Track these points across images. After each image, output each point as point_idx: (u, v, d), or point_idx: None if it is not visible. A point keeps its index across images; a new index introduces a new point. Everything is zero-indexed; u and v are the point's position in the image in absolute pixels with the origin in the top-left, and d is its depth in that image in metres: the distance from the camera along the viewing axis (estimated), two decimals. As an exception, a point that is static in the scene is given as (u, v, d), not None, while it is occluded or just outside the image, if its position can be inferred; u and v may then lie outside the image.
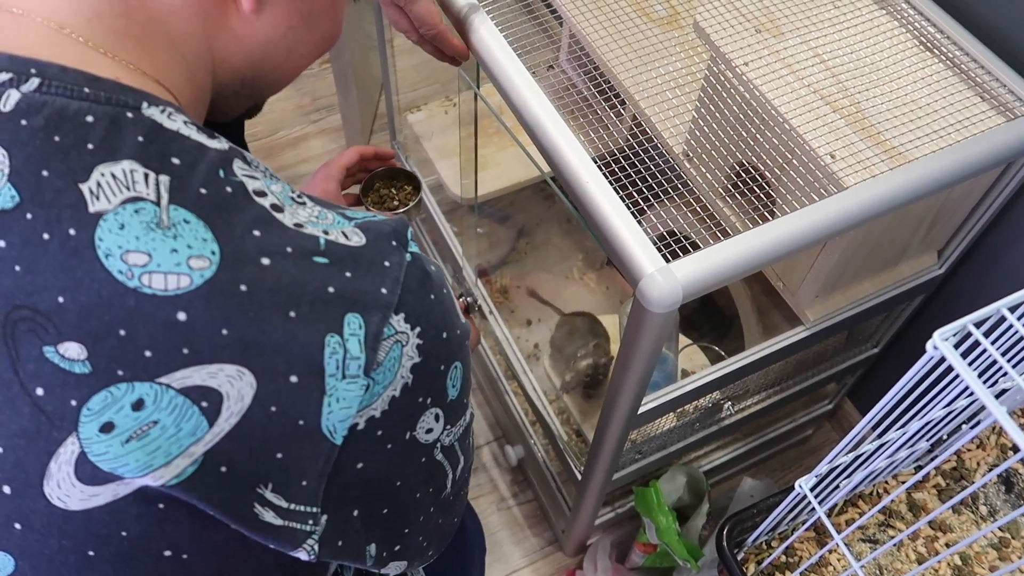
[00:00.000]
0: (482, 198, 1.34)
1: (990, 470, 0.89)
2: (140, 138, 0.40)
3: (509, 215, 1.55)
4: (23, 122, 0.38)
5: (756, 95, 0.78)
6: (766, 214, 0.76)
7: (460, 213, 1.47)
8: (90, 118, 0.39)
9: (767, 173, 0.79)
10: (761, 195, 0.79)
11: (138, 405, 0.39)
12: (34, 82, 0.39)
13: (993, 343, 0.51)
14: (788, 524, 0.87)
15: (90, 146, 0.39)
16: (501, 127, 1.41)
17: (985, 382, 0.64)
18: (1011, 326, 0.48)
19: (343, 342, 0.41)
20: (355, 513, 0.47)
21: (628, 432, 0.88)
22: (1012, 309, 0.47)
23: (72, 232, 0.38)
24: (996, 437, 0.90)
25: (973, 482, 0.88)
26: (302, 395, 0.41)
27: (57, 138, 0.39)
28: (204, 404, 0.39)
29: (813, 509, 0.73)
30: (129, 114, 0.40)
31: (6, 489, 0.40)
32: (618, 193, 0.72)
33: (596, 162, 0.74)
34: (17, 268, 0.38)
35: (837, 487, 0.74)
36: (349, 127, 1.76)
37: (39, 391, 0.38)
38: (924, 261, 0.95)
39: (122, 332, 0.38)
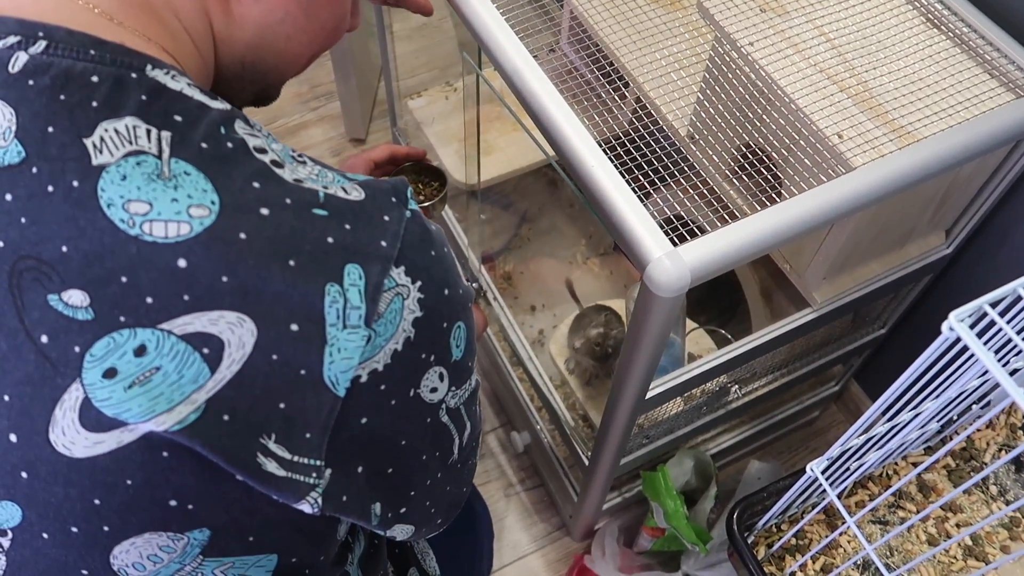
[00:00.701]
0: (485, 184, 1.33)
1: (999, 450, 0.88)
2: (143, 96, 0.41)
3: (512, 201, 1.54)
4: (30, 82, 0.39)
5: (761, 75, 0.77)
6: (773, 196, 0.76)
7: (463, 199, 1.46)
8: (95, 78, 0.40)
9: (773, 154, 0.78)
10: (768, 177, 0.78)
11: (140, 351, 0.39)
12: (41, 44, 0.40)
13: (1009, 321, 0.50)
14: (798, 507, 0.87)
15: (94, 104, 0.40)
16: (503, 112, 1.40)
17: (998, 361, 0.63)
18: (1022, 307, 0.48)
19: (343, 291, 0.42)
20: (359, 469, 0.47)
21: (636, 417, 0.87)
22: (1027, 289, 0.46)
23: (75, 184, 0.39)
24: (1005, 417, 0.89)
25: (983, 462, 0.87)
26: (303, 344, 0.41)
27: (63, 96, 0.39)
28: (206, 351, 0.40)
29: (823, 492, 0.73)
30: (133, 75, 0.41)
31: (12, 437, 0.41)
32: (624, 177, 0.71)
33: (601, 146, 0.73)
34: (23, 220, 0.39)
35: (848, 469, 0.74)
36: (349, 114, 1.75)
37: (43, 338, 0.39)
38: (932, 241, 0.94)
39: (124, 279, 0.39)
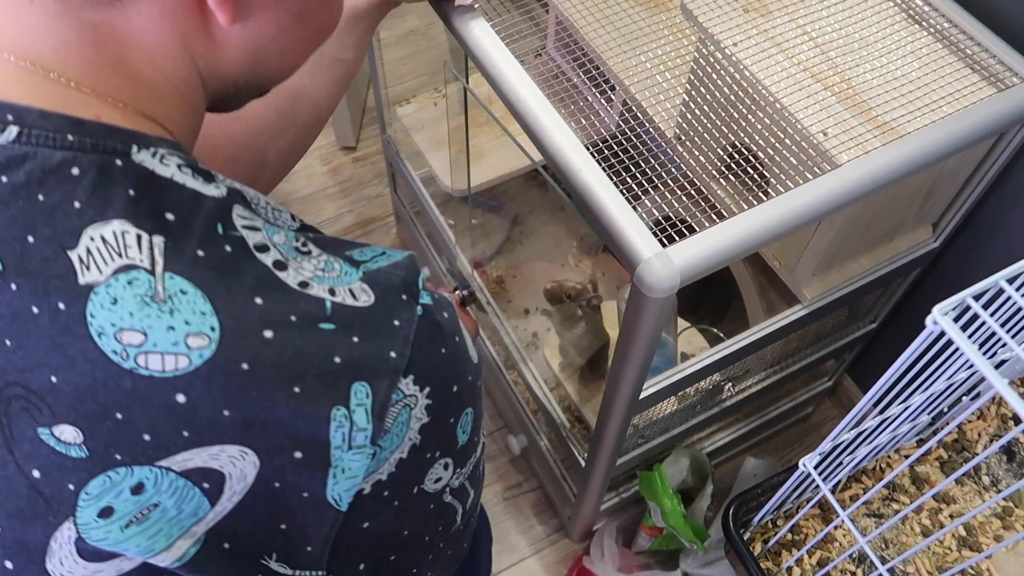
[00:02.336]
0: (475, 188, 1.34)
1: (991, 441, 0.89)
2: (131, 191, 0.37)
3: (503, 204, 1.54)
4: (3, 179, 0.35)
5: (746, 75, 0.78)
6: (760, 195, 0.76)
7: (453, 204, 1.46)
8: (76, 170, 0.36)
9: (760, 153, 0.79)
10: (755, 175, 0.78)
11: (138, 489, 0.37)
12: (12, 131, 0.36)
13: (992, 315, 0.51)
14: (793, 502, 0.87)
15: (77, 204, 0.36)
16: (490, 117, 1.41)
17: (984, 354, 0.64)
18: (1009, 297, 0.48)
19: (349, 414, 0.40)
20: (361, 567, 0.46)
21: (631, 417, 0.88)
22: (1010, 281, 0.47)
23: (62, 307, 0.36)
24: (996, 407, 0.90)
25: (975, 453, 0.88)
26: (306, 470, 0.39)
27: (41, 197, 0.35)
28: (206, 485, 0.38)
29: (818, 487, 0.73)
30: (118, 161, 0.37)
31: (8, 564, 0.39)
32: (612, 179, 0.72)
33: (589, 149, 0.74)
34: (7, 342, 0.36)
35: (840, 463, 0.74)
36: (338, 122, 1.76)
37: (35, 473, 0.37)
38: (919, 235, 0.95)
39: (119, 415, 0.36)
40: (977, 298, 0.46)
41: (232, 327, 0.37)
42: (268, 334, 0.38)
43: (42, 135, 0.36)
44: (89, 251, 0.36)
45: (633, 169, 0.76)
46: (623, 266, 0.69)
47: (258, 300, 0.38)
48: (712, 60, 0.81)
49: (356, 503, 0.41)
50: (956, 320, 0.48)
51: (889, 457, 0.89)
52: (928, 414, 0.78)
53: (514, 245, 1.52)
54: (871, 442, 0.71)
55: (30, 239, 0.35)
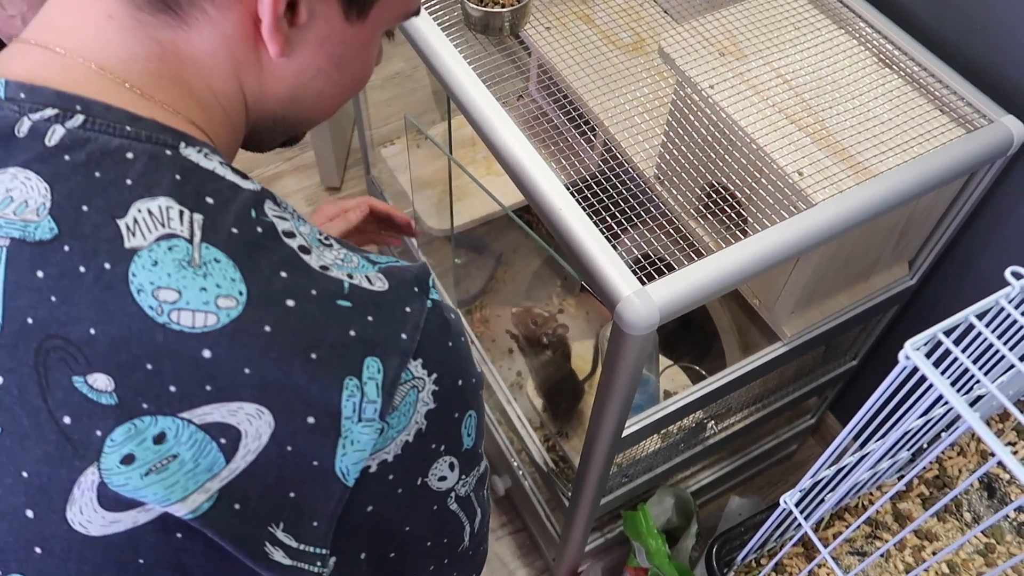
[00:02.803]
0: (459, 228, 1.35)
1: (978, 479, 0.89)
2: (177, 176, 0.41)
3: (486, 244, 1.55)
4: (66, 157, 0.40)
5: (723, 116, 0.79)
6: (738, 233, 0.77)
7: (437, 244, 1.47)
8: (130, 155, 0.41)
9: (737, 193, 0.80)
10: (732, 215, 0.80)
11: (160, 439, 0.40)
12: (79, 119, 0.41)
13: (965, 350, 0.51)
14: (776, 541, 0.87)
15: (128, 182, 0.40)
16: (477, 157, 1.42)
17: (960, 389, 0.64)
18: (980, 333, 0.49)
19: (361, 386, 0.42)
20: (362, 556, 0.47)
21: (613, 455, 0.88)
22: (980, 316, 0.48)
23: (107, 266, 0.39)
24: (976, 444, 0.91)
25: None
26: (318, 436, 0.41)
27: (98, 174, 0.40)
28: (223, 440, 0.40)
29: (800, 524, 0.73)
30: (168, 152, 0.42)
31: (29, 513, 0.41)
32: (592, 218, 0.72)
33: (568, 188, 0.75)
34: (53, 299, 0.39)
35: (823, 501, 0.74)
36: (323, 163, 1.77)
37: (66, 419, 0.39)
38: (896, 273, 0.97)
39: (149, 366, 0.39)
40: (948, 333, 0.47)
41: (258, 293, 0.41)
42: (290, 303, 0.41)
43: (104, 124, 0.41)
44: (136, 220, 0.40)
45: (613, 208, 0.77)
46: (602, 304, 0.70)
47: (283, 274, 0.42)
48: (690, 102, 0.83)
49: (362, 482, 0.43)
50: (929, 355, 0.48)
51: (871, 494, 0.89)
52: (908, 450, 0.78)
53: (498, 285, 1.53)
54: (852, 479, 0.71)
55: (84, 208, 0.40)
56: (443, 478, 0.49)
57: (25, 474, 0.40)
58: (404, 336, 0.44)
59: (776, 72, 0.83)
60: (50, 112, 0.41)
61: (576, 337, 1.40)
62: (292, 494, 0.42)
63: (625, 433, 0.85)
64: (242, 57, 0.47)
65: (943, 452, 0.92)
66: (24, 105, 0.41)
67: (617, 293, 0.67)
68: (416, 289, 0.46)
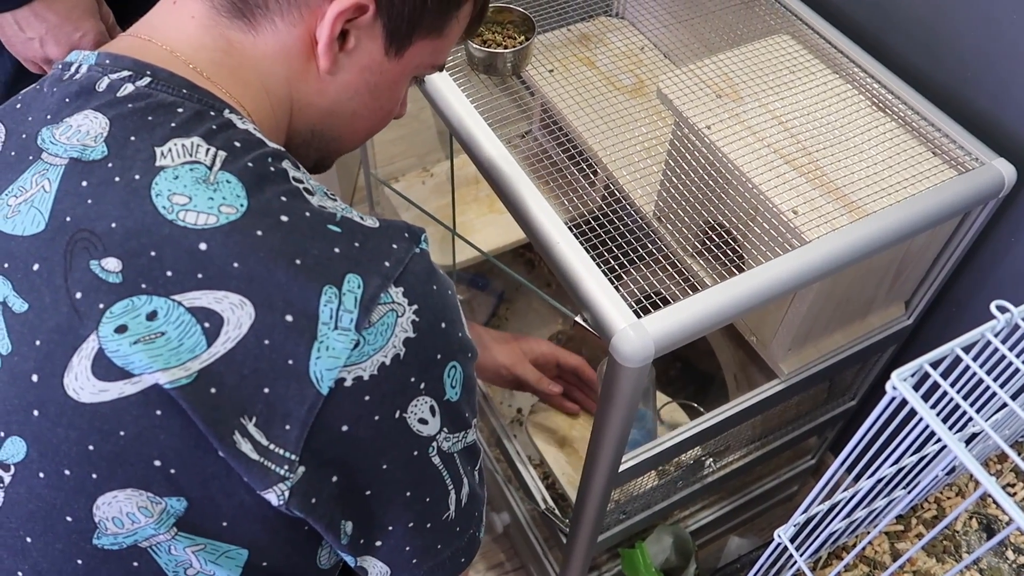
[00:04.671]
0: (461, 265, 1.36)
1: (970, 518, 0.89)
2: (213, 126, 0.49)
3: (489, 281, 1.57)
4: (129, 105, 0.49)
5: (720, 156, 0.81)
6: (734, 270, 0.78)
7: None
8: (180, 109, 0.49)
9: (733, 231, 0.82)
10: (729, 252, 0.81)
11: (152, 316, 0.45)
12: (146, 80, 0.50)
13: (955, 384, 0.52)
14: (774, 579, 0.86)
15: (173, 124, 0.49)
16: (480, 195, 1.44)
17: (953, 426, 0.65)
18: (970, 368, 0.50)
19: (339, 295, 0.46)
20: (334, 479, 0.49)
21: (610, 491, 0.88)
22: (966, 349, 0.49)
23: (137, 177, 0.47)
24: (974, 484, 0.91)
25: (955, 530, 0.88)
26: (295, 335, 0.45)
27: (150, 117, 0.49)
28: (206, 324, 0.45)
29: (795, 561, 0.73)
30: (212, 112, 0.50)
31: (34, 378, 0.46)
32: (589, 253, 0.74)
33: (569, 225, 0.76)
34: (89, 201, 0.47)
35: (819, 537, 0.74)
36: (330, 200, 1.79)
37: (78, 295, 0.45)
38: (892, 312, 0.97)
39: (152, 253, 0.45)
40: (936, 366, 0.48)
41: (257, 207, 0.47)
42: (284, 218, 0.47)
43: (166, 85, 0.50)
44: (171, 149, 0.48)
45: (611, 244, 0.79)
46: (597, 338, 0.71)
47: (283, 198, 0.48)
48: (687, 142, 0.84)
49: (337, 394, 0.46)
50: (919, 388, 0.49)
51: (868, 532, 0.89)
52: (904, 489, 0.78)
53: (500, 322, 1.54)
54: (848, 515, 0.71)
55: (132, 138, 0.48)
56: (424, 421, 0.51)
57: (38, 342, 0.46)
58: (387, 264, 0.48)
59: (772, 114, 0.85)
60: (125, 73, 0.51)
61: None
62: (266, 389, 0.45)
63: (622, 468, 0.85)
64: (296, 67, 0.55)
65: (941, 493, 0.91)
66: (107, 68, 0.51)
67: (613, 326, 0.68)
68: (406, 235, 0.50)
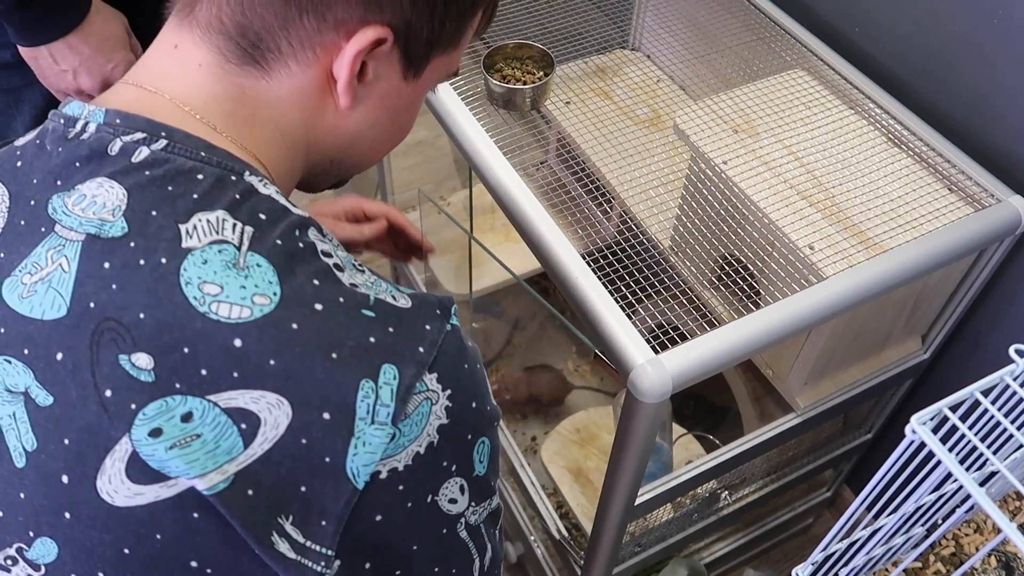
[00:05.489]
0: (477, 293, 1.37)
1: (989, 555, 0.88)
2: (237, 196, 0.47)
3: (504, 309, 1.57)
4: (147, 172, 0.46)
5: (736, 191, 0.82)
6: (751, 305, 0.79)
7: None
8: (200, 176, 0.47)
9: (750, 265, 0.82)
10: (745, 287, 0.81)
11: (187, 417, 0.43)
12: (162, 142, 0.47)
13: (973, 426, 0.52)
14: (791, 616, 0.86)
15: (195, 196, 0.46)
16: (495, 224, 1.45)
17: (971, 465, 0.65)
18: (987, 410, 0.50)
19: (376, 389, 0.45)
20: (367, 566, 0.48)
21: (626, 524, 0.88)
22: (985, 393, 0.49)
23: (163, 261, 0.45)
24: (992, 521, 0.90)
25: (974, 568, 0.87)
26: (332, 432, 0.44)
27: (170, 187, 0.46)
28: (243, 426, 0.43)
29: (813, 599, 0.73)
30: (233, 177, 0.48)
31: (64, 479, 0.44)
32: (607, 288, 0.74)
33: (585, 258, 0.77)
34: (114, 286, 0.44)
35: (836, 575, 0.74)
36: (346, 226, 1.81)
37: (108, 392, 0.43)
38: (909, 347, 0.97)
39: (186, 349, 0.43)
40: (955, 409, 0.48)
41: (290, 295, 0.45)
42: (318, 306, 0.46)
43: (183, 148, 0.48)
44: (195, 227, 0.46)
45: (628, 278, 0.79)
46: (615, 372, 0.71)
47: (315, 282, 0.47)
48: (704, 177, 0.85)
49: (372, 487, 0.45)
50: (939, 429, 0.49)
51: (887, 570, 0.88)
52: (922, 526, 0.78)
53: (514, 350, 1.54)
54: (867, 553, 0.71)
55: (153, 213, 0.46)
56: (453, 500, 0.50)
57: (67, 441, 0.44)
58: (421, 349, 0.47)
59: (788, 149, 0.85)
60: (139, 135, 0.47)
61: (592, 403, 1.40)
62: (303, 488, 0.44)
63: (638, 501, 0.85)
64: (312, 105, 0.53)
65: (959, 529, 0.91)
66: (119, 129, 0.48)
67: (631, 361, 0.68)
68: (438, 311, 0.49)
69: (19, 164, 0.50)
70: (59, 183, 0.47)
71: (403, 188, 1.66)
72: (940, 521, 0.83)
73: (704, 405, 1.32)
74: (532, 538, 1.24)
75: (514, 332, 1.56)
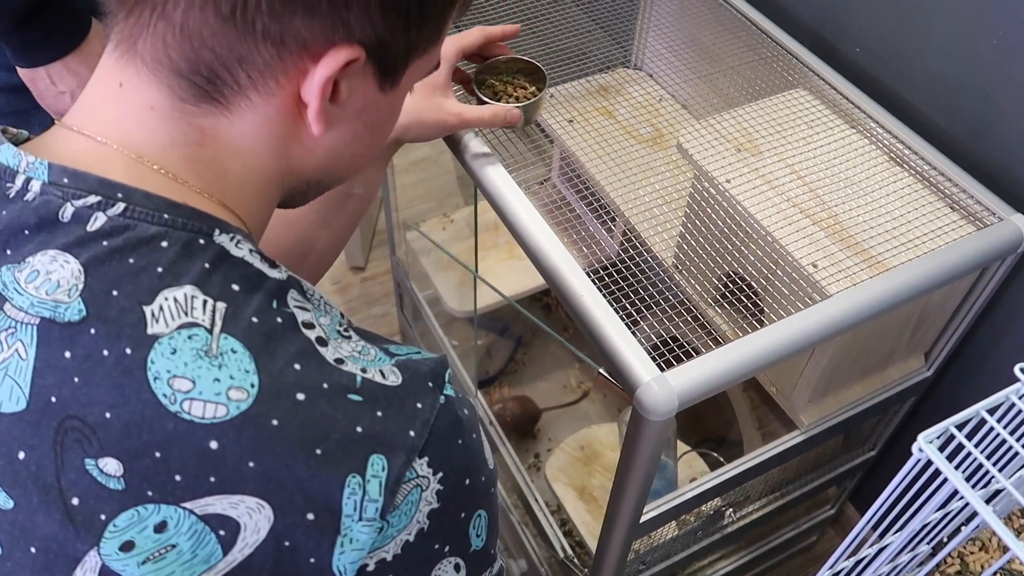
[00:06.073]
0: (481, 311, 1.37)
1: (994, 574, 0.88)
2: (207, 264, 0.43)
3: (507, 326, 1.57)
4: (104, 243, 0.42)
5: (739, 209, 0.82)
6: (754, 322, 0.79)
7: (458, 325, 1.50)
8: (165, 243, 0.42)
9: (754, 283, 0.82)
10: (749, 304, 0.82)
11: (161, 527, 0.40)
12: (119, 206, 0.42)
13: (979, 444, 0.52)
14: (796, 634, 0.86)
15: (159, 269, 0.42)
16: (500, 241, 1.46)
17: (977, 483, 0.65)
18: (993, 428, 0.50)
19: (363, 484, 0.42)
20: None
21: (631, 541, 0.87)
22: (991, 411, 0.49)
23: (128, 351, 0.40)
24: (998, 539, 0.90)
25: (979, 586, 0.87)
26: (316, 533, 0.42)
27: (131, 260, 0.42)
28: (221, 532, 0.41)
29: (820, 617, 0.72)
30: (201, 240, 0.43)
31: None
32: (612, 305, 0.75)
33: (590, 276, 0.78)
34: (76, 379, 0.40)
35: (842, 594, 0.74)
36: (349, 244, 1.82)
37: (74, 500, 0.40)
38: (912, 364, 0.97)
39: (157, 454, 0.40)
40: (961, 428, 0.48)
41: (269, 386, 0.42)
42: (300, 396, 0.42)
43: (143, 212, 0.43)
44: (161, 308, 0.41)
45: (632, 295, 0.80)
46: (619, 390, 0.71)
47: (296, 366, 0.43)
48: (707, 195, 0.86)
49: None
50: (945, 447, 0.49)
51: (892, 588, 0.88)
52: (927, 544, 0.78)
53: (517, 367, 1.55)
54: (873, 571, 0.71)
55: (114, 292, 0.41)
56: None
57: (33, 550, 0.41)
58: (412, 433, 0.44)
59: (791, 168, 0.86)
60: (93, 199, 0.42)
61: (596, 420, 1.40)
62: None
63: (643, 519, 0.85)
64: (282, 134, 0.48)
65: (964, 547, 0.91)
66: (68, 191, 0.42)
67: (637, 379, 0.69)
68: (430, 384, 0.46)
69: None
70: (8, 252, 0.42)
71: (406, 205, 1.67)
72: (946, 539, 0.83)
73: (705, 421, 1.32)
74: (535, 555, 1.24)
75: (517, 348, 1.56)
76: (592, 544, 1.12)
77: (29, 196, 0.43)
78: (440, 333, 1.39)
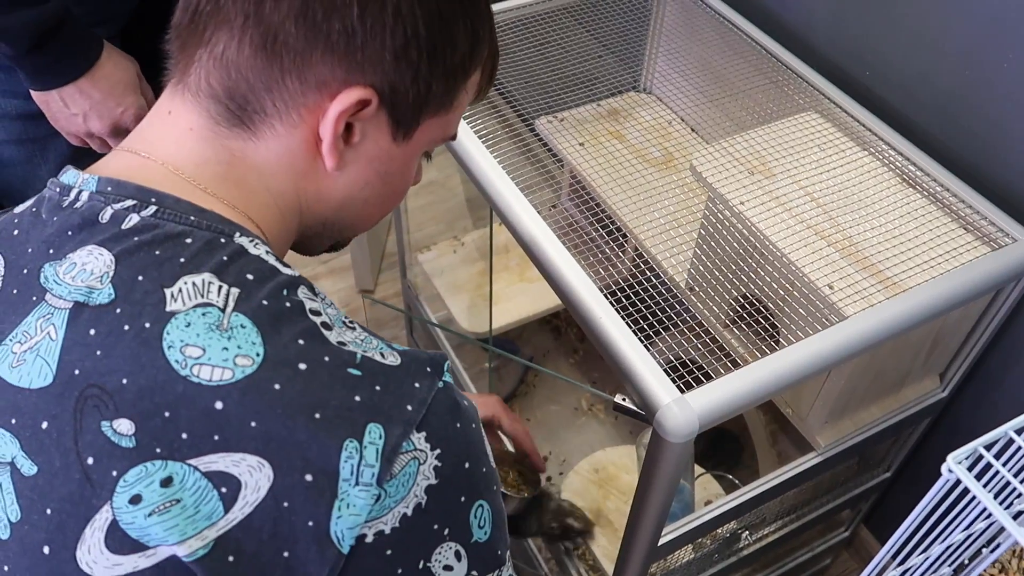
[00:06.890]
0: (493, 332, 1.38)
1: (1016, 595, 0.87)
2: (225, 257, 0.47)
3: (518, 348, 1.58)
4: (135, 238, 0.47)
5: (754, 231, 0.83)
6: (772, 344, 0.79)
7: (469, 347, 1.50)
8: (189, 240, 0.47)
9: (769, 304, 0.83)
10: (765, 325, 0.82)
11: (167, 482, 0.43)
12: (151, 208, 0.48)
13: (1006, 463, 0.52)
14: (817, 658, 0.85)
15: (182, 260, 0.46)
16: (511, 263, 1.46)
17: (1001, 503, 0.65)
18: (1020, 448, 0.50)
19: (360, 449, 0.44)
20: None
21: (649, 565, 0.87)
22: (1019, 431, 0.49)
23: (147, 325, 0.44)
24: (1017, 561, 0.89)
25: (1000, 608, 0.87)
26: (314, 495, 0.43)
27: (158, 252, 0.46)
28: (223, 490, 0.43)
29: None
30: (222, 239, 0.48)
31: (45, 549, 0.44)
32: (631, 328, 0.75)
33: (608, 298, 0.78)
34: (98, 352, 0.44)
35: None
36: (358, 267, 1.82)
37: (90, 460, 0.43)
38: (927, 385, 0.97)
39: (167, 414, 0.43)
40: (988, 447, 0.48)
41: (273, 356, 0.45)
42: (302, 366, 0.45)
43: (172, 214, 0.48)
44: (180, 290, 0.45)
45: (647, 314, 0.80)
46: (639, 416, 0.71)
47: (300, 342, 0.46)
48: (721, 217, 0.86)
49: (357, 552, 0.44)
50: (970, 469, 0.49)
51: (913, 611, 0.87)
52: (949, 566, 0.77)
53: (528, 388, 1.55)
54: (894, 594, 0.70)
55: (140, 278, 0.46)
56: (449, 567, 0.48)
57: (49, 511, 0.44)
58: (409, 408, 0.46)
59: (804, 190, 0.87)
60: (129, 203, 0.48)
61: (609, 443, 1.40)
62: (286, 553, 0.43)
63: (661, 541, 0.84)
64: (301, 167, 0.53)
65: (985, 571, 0.90)
66: (109, 197, 0.48)
67: (656, 401, 0.69)
68: (428, 369, 0.48)
69: (16, 232, 0.50)
70: (52, 252, 0.48)
71: (416, 228, 1.68)
72: (967, 561, 0.82)
73: (718, 442, 1.32)
74: (549, 580, 1.23)
75: (528, 371, 1.56)
76: (608, 567, 1.11)
77: (78, 204, 0.48)
78: (452, 355, 1.39)
